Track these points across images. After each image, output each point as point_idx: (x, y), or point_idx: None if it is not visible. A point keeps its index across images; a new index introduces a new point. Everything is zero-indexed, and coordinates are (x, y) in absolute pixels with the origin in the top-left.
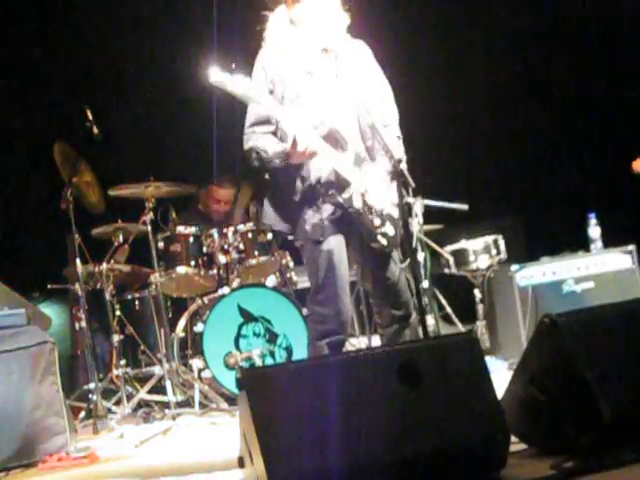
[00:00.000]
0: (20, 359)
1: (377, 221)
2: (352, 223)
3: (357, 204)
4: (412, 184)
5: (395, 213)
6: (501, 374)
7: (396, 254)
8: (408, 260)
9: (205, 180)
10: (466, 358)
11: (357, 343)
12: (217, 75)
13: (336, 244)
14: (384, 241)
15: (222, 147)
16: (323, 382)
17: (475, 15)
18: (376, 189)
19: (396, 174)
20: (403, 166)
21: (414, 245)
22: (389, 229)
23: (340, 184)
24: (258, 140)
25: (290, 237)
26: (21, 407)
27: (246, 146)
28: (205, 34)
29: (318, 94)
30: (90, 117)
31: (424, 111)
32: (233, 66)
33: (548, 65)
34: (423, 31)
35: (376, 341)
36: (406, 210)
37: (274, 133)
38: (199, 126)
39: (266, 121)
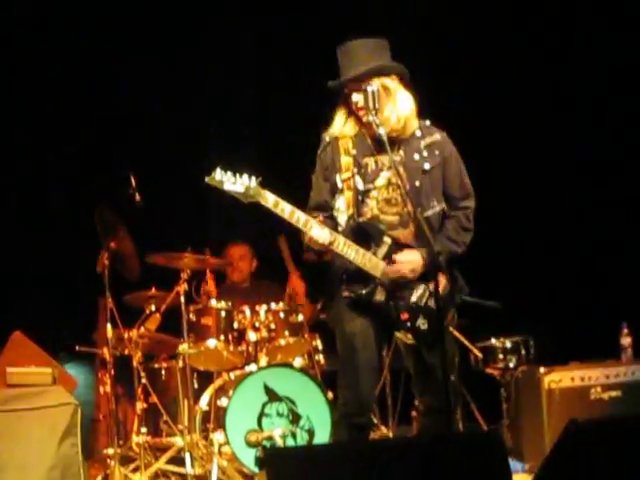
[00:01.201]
0: (42, 418)
1: (405, 315)
2: (377, 313)
3: (379, 297)
4: (455, 276)
5: (436, 307)
6: (520, 477)
7: (429, 348)
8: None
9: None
10: (489, 456)
11: (384, 430)
12: (213, 176)
13: (360, 328)
14: (409, 335)
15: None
16: (344, 467)
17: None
18: (410, 281)
19: (434, 267)
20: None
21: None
22: (421, 322)
23: (363, 277)
24: None
25: (324, 316)
26: (39, 465)
27: None
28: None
29: (364, 189)
30: (133, 184)
31: None
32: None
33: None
34: None
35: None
36: (441, 304)
37: (330, 217)
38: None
39: (320, 207)
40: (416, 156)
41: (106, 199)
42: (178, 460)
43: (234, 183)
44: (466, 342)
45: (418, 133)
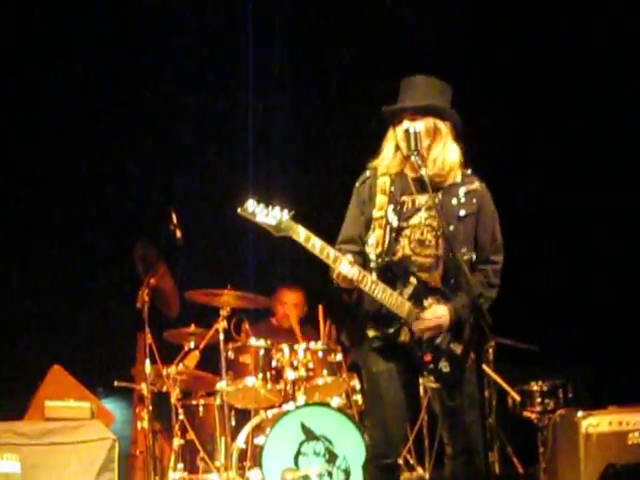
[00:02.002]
0: (79, 452)
1: (428, 357)
2: (401, 353)
3: (404, 338)
4: (488, 321)
5: (458, 350)
6: None
7: (450, 391)
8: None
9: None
10: None
11: (421, 471)
12: (246, 207)
13: (386, 368)
14: (432, 377)
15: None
16: None
17: None
18: (429, 310)
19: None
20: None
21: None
22: (443, 365)
23: (389, 318)
24: None
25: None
26: None
27: None
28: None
29: (397, 227)
30: (175, 220)
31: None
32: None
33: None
34: None
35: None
36: (482, 347)
37: (360, 253)
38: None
39: (351, 240)
40: (454, 201)
41: (147, 235)
42: None
43: (266, 215)
44: (504, 385)
45: (459, 179)
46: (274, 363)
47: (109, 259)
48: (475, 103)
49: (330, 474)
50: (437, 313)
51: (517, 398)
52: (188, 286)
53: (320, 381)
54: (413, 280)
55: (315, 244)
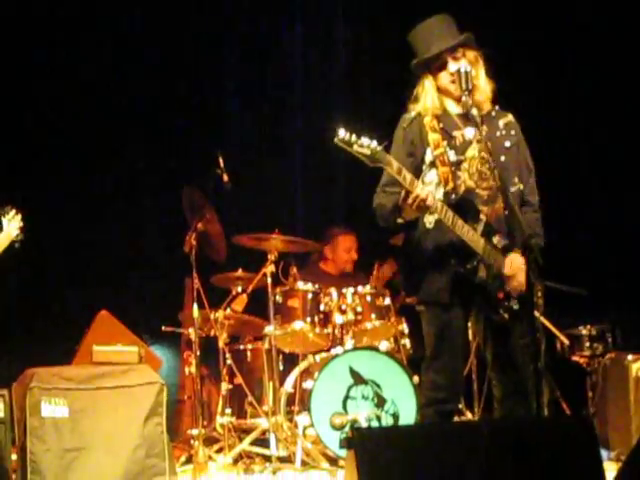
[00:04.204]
0: (128, 396)
1: (501, 294)
2: (475, 292)
3: (482, 274)
4: (540, 262)
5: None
6: (606, 464)
7: (519, 329)
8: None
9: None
10: (581, 442)
11: (470, 416)
12: (343, 136)
13: (456, 312)
14: (506, 315)
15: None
16: (431, 449)
17: None
18: (506, 262)
19: (526, 250)
20: (536, 244)
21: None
22: (514, 303)
23: (466, 253)
24: (383, 198)
25: (410, 300)
26: (124, 444)
27: (374, 204)
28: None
29: (456, 160)
30: (222, 164)
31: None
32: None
33: None
34: None
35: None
36: (536, 289)
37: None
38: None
39: (396, 183)
40: (498, 133)
41: (195, 180)
42: (262, 442)
43: (361, 146)
44: (553, 329)
45: (493, 113)
46: (322, 307)
47: (156, 205)
48: None
49: (379, 418)
50: (516, 264)
51: (566, 342)
52: (236, 231)
53: (368, 325)
54: (483, 217)
55: (406, 176)
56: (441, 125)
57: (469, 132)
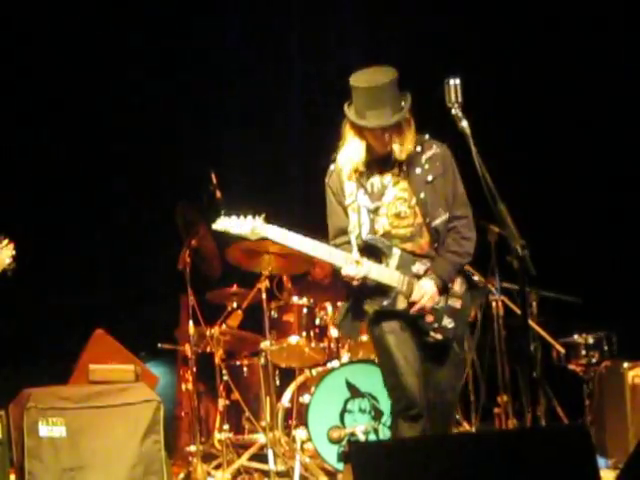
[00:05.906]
0: (125, 415)
1: (429, 317)
2: (402, 319)
3: (401, 305)
4: (532, 273)
5: (457, 305)
6: (604, 472)
7: (456, 347)
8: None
9: None
10: (577, 451)
11: (467, 426)
12: (221, 223)
13: (391, 328)
14: (439, 336)
15: None
16: (430, 461)
17: None
18: (415, 288)
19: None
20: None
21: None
22: (447, 322)
23: (382, 289)
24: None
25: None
26: (122, 462)
27: None
28: None
29: (373, 207)
30: (214, 181)
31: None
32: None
33: None
34: None
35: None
36: (527, 300)
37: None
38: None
39: (342, 231)
40: (418, 170)
41: (188, 197)
42: (260, 457)
43: (240, 226)
44: (549, 338)
45: (418, 148)
46: (317, 321)
47: (150, 222)
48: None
49: (376, 431)
50: (423, 289)
51: (562, 351)
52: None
53: (364, 338)
54: (396, 250)
55: (294, 239)
56: (358, 174)
57: (387, 178)
